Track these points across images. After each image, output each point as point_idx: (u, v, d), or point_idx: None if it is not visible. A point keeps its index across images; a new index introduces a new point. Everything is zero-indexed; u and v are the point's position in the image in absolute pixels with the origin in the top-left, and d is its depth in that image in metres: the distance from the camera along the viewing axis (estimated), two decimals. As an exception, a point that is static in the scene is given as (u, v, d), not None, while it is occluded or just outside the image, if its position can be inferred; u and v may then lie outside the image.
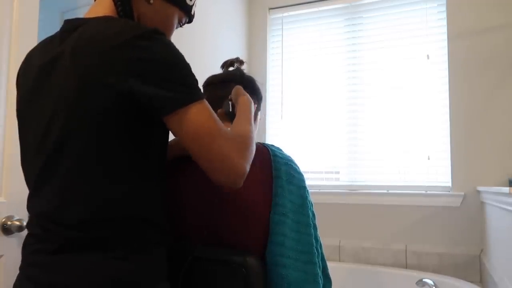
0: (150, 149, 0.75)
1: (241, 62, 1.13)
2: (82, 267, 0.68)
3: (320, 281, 0.91)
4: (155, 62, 0.68)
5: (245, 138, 0.76)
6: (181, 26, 0.93)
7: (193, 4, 0.91)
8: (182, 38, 1.97)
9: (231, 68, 1.12)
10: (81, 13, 1.51)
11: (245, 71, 1.12)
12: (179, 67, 0.70)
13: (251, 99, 0.93)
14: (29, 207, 0.77)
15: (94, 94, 0.68)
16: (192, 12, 0.92)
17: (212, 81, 1.08)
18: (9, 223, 1.10)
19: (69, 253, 0.69)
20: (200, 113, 0.70)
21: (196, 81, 0.73)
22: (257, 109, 1.11)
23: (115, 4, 0.80)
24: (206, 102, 0.72)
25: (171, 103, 0.68)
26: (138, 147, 0.72)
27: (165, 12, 0.85)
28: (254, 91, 1.09)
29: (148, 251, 0.74)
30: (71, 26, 0.77)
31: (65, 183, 0.70)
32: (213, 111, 0.73)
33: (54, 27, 0.99)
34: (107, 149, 0.70)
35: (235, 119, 0.86)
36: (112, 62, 0.68)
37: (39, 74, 0.77)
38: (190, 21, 0.94)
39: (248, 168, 0.73)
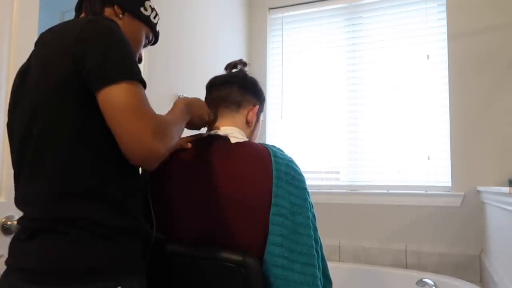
0: (109, 136, 0.76)
1: (245, 64, 1.14)
2: (48, 254, 0.72)
3: (320, 284, 0.90)
4: (97, 41, 0.74)
5: (165, 124, 0.78)
6: (149, 43, 1.02)
7: (157, 23, 1.01)
8: (183, 37, 1.97)
9: (234, 70, 1.13)
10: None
11: (247, 72, 1.12)
12: (120, 49, 0.75)
13: (187, 100, 0.96)
14: (15, 201, 0.82)
15: (51, 76, 0.74)
16: (157, 29, 1.02)
17: (215, 82, 1.09)
18: (9, 223, 1.10)
19: (37, 238, 0.73)
20: (127, 91, 0.72)
21: (136, 66, 0.76)
22: (260, 110, 1.11)
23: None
24: (140, 85, 0.75)
25: (103, 79, 0.72)
26: (95, 134, 0.75)
27: (134, 26, 0.95)
28: (256, 92, 1.09)
29: (115, 239, 0.76)
30: (45, 33, 0.84)
31: (33, 166, 0.75)
32: (144, 95, 0.75)
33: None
34: (66, 129, 0.74)
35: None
36: (65, 43, 0.75)
37: (19, 80, 0.85)
38: (156, 38, 1.04)
39: (163, 151, 0.74)
